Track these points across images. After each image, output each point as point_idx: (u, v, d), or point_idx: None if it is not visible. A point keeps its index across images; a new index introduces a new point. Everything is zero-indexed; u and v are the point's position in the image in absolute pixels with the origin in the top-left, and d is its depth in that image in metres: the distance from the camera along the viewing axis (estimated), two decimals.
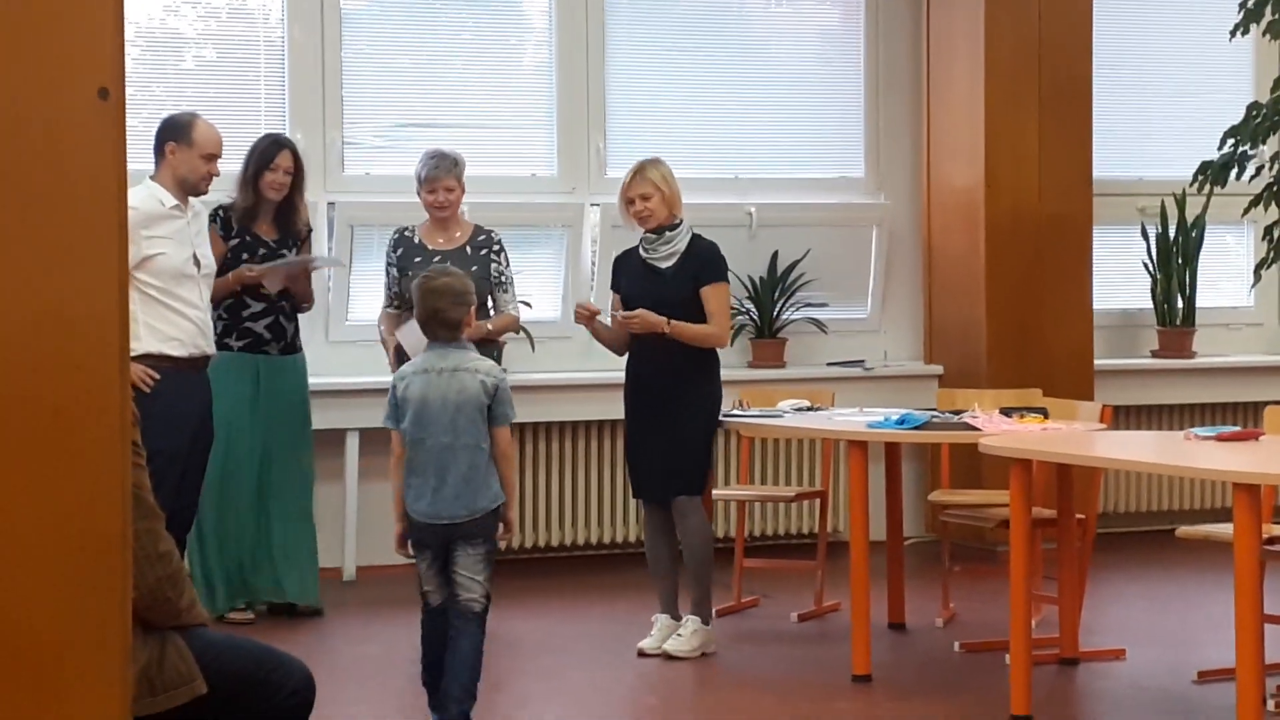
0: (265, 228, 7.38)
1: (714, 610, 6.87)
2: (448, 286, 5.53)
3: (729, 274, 6.84)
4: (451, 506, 5.42)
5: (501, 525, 5.50)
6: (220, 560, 7.24)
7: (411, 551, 5.55)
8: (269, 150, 7.34)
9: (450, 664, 5.42)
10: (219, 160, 6.96)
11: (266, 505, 7.34)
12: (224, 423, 7.16)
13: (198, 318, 6.92)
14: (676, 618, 6.70)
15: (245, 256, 7.30)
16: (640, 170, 6.73)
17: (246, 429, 7.27)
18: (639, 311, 6.63)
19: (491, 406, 5.45)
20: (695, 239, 6.76)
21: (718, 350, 6.80)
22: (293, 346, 7.43)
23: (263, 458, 7.33)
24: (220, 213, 7.35)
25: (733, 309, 8.56)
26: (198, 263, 6.93)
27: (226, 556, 7.25)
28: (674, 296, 6.64)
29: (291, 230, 7.41)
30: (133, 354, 6.53)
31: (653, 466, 6.68)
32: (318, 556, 7.50)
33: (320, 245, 8.00)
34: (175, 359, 6.82)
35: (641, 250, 6.78)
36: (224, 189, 7.34)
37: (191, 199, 6.94)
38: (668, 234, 6.71)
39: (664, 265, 6.71)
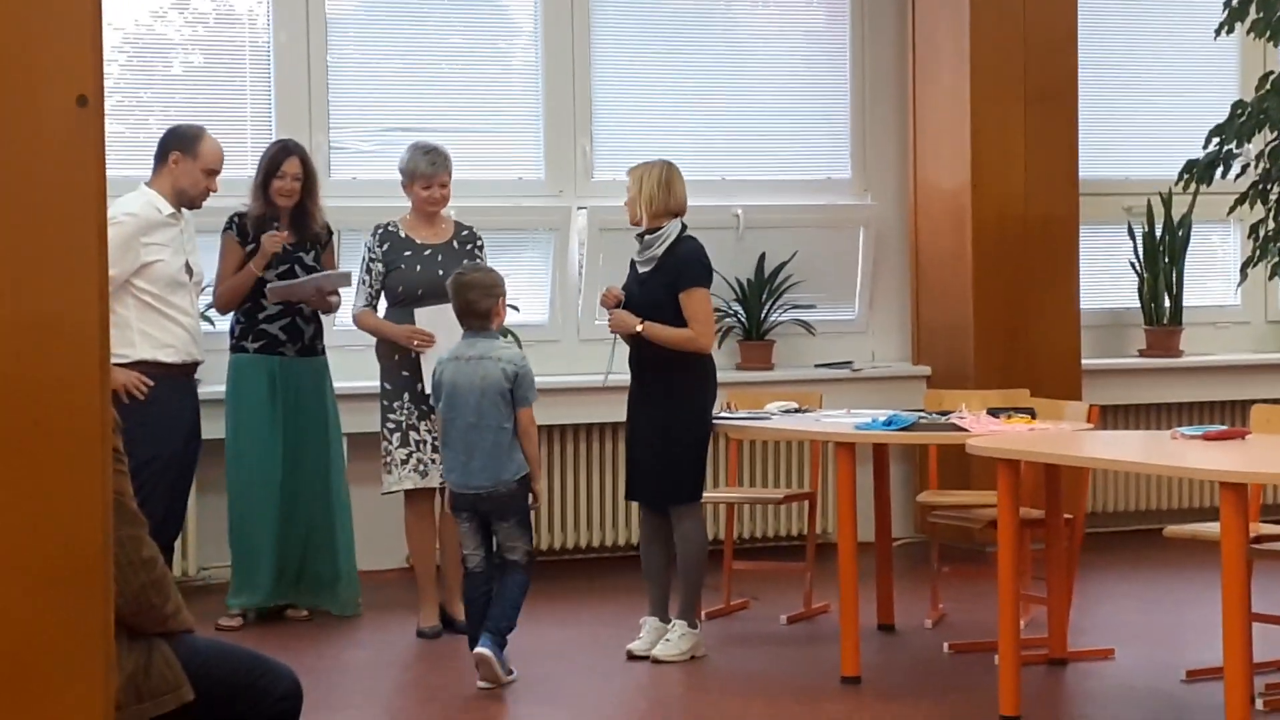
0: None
1: (703, 613, 6.87)
2: (478, 280, 6.28)
3: (711, 276, 6.79)
4: (478, 478, 6.17)
5: (531, 495, 6.25)
6: (245, 561, 7.20)
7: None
8: (277, 156, 7.30)
9: (496, 598, 6.17)
10: (218, 176, 7.00)
11: (292, 511, 7.26)
12: (244, 425, 7.15)
13: (190, 325, 6.98)
14: (666, 620, 6.69)
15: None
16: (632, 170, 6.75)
17: (267, 431, 7.22)
18: (616, 312, 6.65)
19: (513, 390, 6.20)
20: (676, 243, 6.68)
21: (711, 355, 6.78)
22: (312, 349, 7.35)
23: (286, 462, 7.24)
24: (236, 219, 7.33)
25: (721, 311, 8.60)
26: (190, 271, 6.98)
27: (252, 557, 7.20)
28: (650, 299, 6.64)
29: (308, 234, 7.35)
30: (127, 360, 6.71)
31: (647, 472, 6.67)
32: (339, 568, 7.37)
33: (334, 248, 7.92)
34: (168, 365, 6.88)
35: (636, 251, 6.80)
36: (239, 196, 7.34)
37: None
38: (647, 238, 6.70)
39: (643, 269, 6.72)
